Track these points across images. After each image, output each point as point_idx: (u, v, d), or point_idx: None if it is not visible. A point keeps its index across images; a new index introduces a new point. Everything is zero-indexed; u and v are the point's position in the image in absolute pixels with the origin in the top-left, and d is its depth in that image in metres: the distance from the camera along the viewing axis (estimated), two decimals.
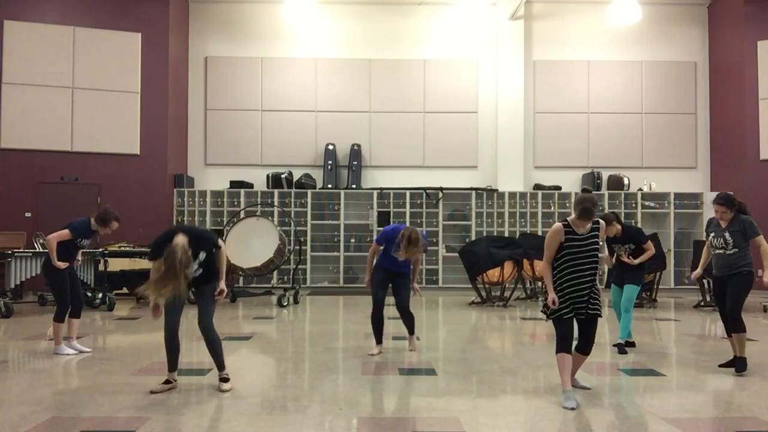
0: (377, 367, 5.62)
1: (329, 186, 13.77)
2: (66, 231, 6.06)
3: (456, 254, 11.98)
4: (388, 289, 6.26)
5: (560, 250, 4.59)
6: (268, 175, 13.73)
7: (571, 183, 14.19)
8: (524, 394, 4.70)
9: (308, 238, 13.43)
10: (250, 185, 13.73)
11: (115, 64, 12.87)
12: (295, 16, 13.47)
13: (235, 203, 13.48)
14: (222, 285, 4.83)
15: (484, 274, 10.34)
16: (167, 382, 4.72)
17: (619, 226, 6.52)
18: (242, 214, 11.79)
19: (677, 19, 14.58)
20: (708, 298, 10.41)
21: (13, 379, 5.15)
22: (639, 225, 12.85)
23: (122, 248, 10.98)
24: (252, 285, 12.89)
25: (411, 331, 6.44)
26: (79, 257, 6.55)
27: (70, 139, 12.61)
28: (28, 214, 12.22)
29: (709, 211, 13.15)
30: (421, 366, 5.67)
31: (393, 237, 6.03)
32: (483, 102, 14.34)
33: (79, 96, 12.68)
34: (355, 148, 14.00)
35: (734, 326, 5.39)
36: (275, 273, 12.55)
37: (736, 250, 5.42)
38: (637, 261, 6.47)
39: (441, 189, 13.66)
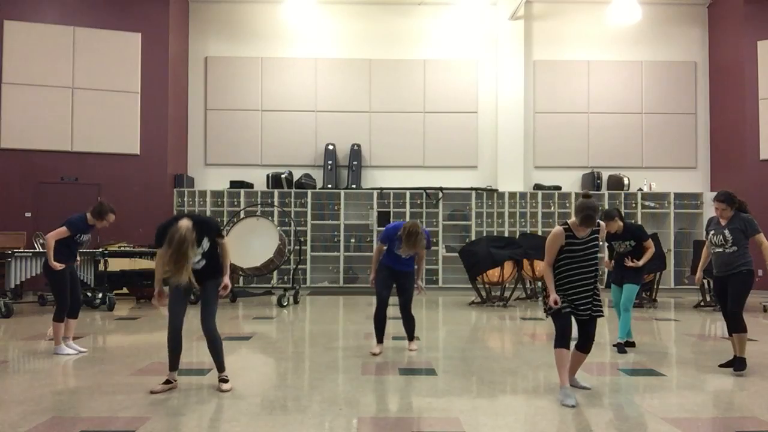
0: (377, 367, 5.62)
1: (329, 186, 13.78)
2: (63, 228, 6.06)
3: (456, 254, 11.98)
4: (392, 288, 6.26)
5: (560, 253, 4.60)
6: (268, 175, 13.73)
7: (571, 183, 14.20)
8: (524, 394, 4.70)
9: (308, 238, 13.43)
10: (250, 185, 13.74)
11: (115, 64, 12.88)
12: (295, 16, 13.47)
13: (235, 203, 13.48)
14: (226, 280, 4.83)
15: (484, 274, 10.34)
16: (167, 382, 4.72)
17: (620, 223, 6.51)
18: (242, 214, 11.79)
19: (677, 19, 14.58)
20: (708, 298, 10.41)
21: (13, 379, 5.15)
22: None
23: (122, 248, 10.99)
24: (252, 285, 12.89)
25: (410, 337, 6.44)
26: (78, 258, 6.54)
27: (70, 139, 12.61)
28: (28, 214, 12.23)
29: (708, 211, 13.17)
30: (421, 366, 5.67)
31: (395, 234, 6.05)
32: (483, 102, 14.34)
33: (79, 96, 12.68)
34: (355, 148, 14.00)
35: (735, 326, 5.39)
36: (275, 273, 12.56)
37: (735, 248, 5.41)
38: (641, 263, 6.45)
39: (441, 189, 13.66)
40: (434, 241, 13.35)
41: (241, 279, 12.69)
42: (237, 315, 9.35)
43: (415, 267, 6.32)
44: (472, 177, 14.20)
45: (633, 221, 13.03)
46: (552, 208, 13.64)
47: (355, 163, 13.92)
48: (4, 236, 10.83)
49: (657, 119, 14.43)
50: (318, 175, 14.00)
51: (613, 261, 6.75)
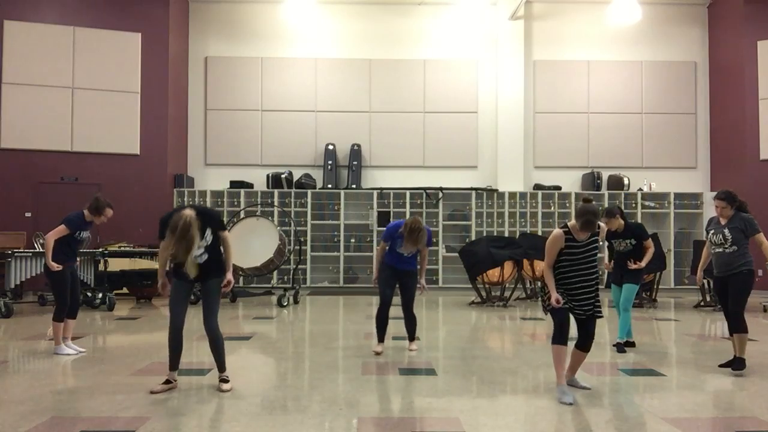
0: (377, 367, 5.62)
1: (329, 186, 13.78)
2: (62, 226, 6.04)
3: (456, 254, 11.98)
4: (395, 288, 6.27)
5: (560, 255, 4.61)
6: (268, 175, 13.74)
7: (571, 183, 14.20)
8: (524, 394, 4.70)
9: (308, 238, 13.43)
10: (250, 185, 13.74)
11: (115, 64, 12.88)
12: (295, 16, 13.47)
13: (235, 203, 13.48)
14: (229, 276, 4.83)
15: (484, 274, 10.34)
16: (167, 382, 4.72)
17: (621, 221, 6.52)
18: (242, 214, 11.79)
19: (677, 19, 14.58)
20: (708, 298, 10.41)
21: (13, 379, 5.15)
22: None
23: (122, 248, 10.99)
24: (252, 285, 12.89)
25: (411, 338, 6.44)
26: (77, 258, 6.52)
27: (70, 139, 12.61)
28: (28, 214, 12.23)
29: (708, 211, 13.18)
30: (421, 366, 5.67)
31: (397, 232, 6.06)
32: (483, 102, 14.35)
33: (79, 96, 12.68)
34: (355, 148, 14.00)
35: (736, 326, 5.39)
36: (275, 273, 12.56)
37: (736, 248, 5.40)
38: (643, 263, 6.45)
39: (441, 189, 13.66)
40: (434, 241, 13.34)
41: (241, 279, 12.69)
42: (237, 315, 9.35)
43: (418, 267, 6.34)
44: (472, 177, 14.20)
45: (633, 221, 13.03)
46: (552, 208, 13.64)
47: (355, 163, 13.92)
48: (4, 236, 10.83)
49: (657, 119, 14.43)
50: (318, 175, 14.00)
51: (612, 262, 6.76)
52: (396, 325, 7.27)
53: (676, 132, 14.47)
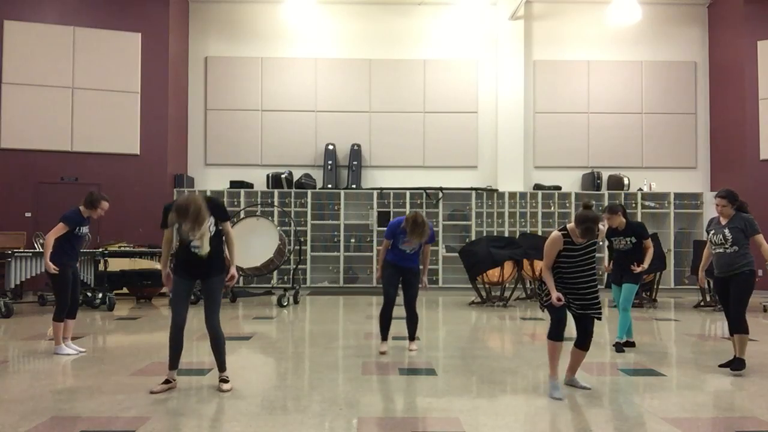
0: (377, 367, 5.62)
1: (329, 186, 13.78)
2: (60, 224, 6.03)
3: (456, 254, 11.98)
4: (398, 287, 6.27)
5: (559, 257, 4.62)
6: (268, 175, 13.74)
7: (571, 183, 14.20)
8: (524, 394, 4.70)
9: (308, 238, 13.43)
10: (250, 185, 13.74)
11: (115, 64, 12.88)
12: (295, 16, 13.48)
13: (235, 203, 13.47)
14: (233, 270, 4.84)
15: (484, 274, 10.34)
16: (166, 381, 4.72)
17: (623, 219, 6.52)
18: (242, 214, 11.79)
19: (677, 19, 14.58)
20: (708, 298, 10.41)
21: (13, 379, 5.15)
22: None
23: (122, 248, 10.98)
24: (252, 285, 12.89)
25: (412, 337, 6.44)
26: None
27: (70, 139, 12.62)
28: (28, 214, 12.23)
29: (708, 211, 13.18)
30: (421, 366, 5.67)
31: (398, 227, 6.07)
32: (483, 102, 14.35)
33: (79, 96, 12.68)
34: (355, 148, 14.00)
35: (737, 327, 5.38)
36: (275, 273, 12.56)
37: (736, 248, 5.39)
38: (645, 265, 6.44)
39: (441, 189, 13.66)
40: (435, 242, 13.33)
41: (241, 279, 12.70)
42: (237, 315, 9.35)
43: (421, 267, 6.35)
44: (472, 177, 14.20)
45: (635, 220, 13.04)
46: (552, 208, 13.64)
47: (355, 163, 13.92)
48: (4, 236, 10.83)
49: (657, 119, 14.43)
50: (318, 175, 14.00)
51: (611, 263, 6.77)
52: (396, 325, 7.25)
53: (676, 132, 14.47)
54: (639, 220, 13.43)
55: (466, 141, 14.29)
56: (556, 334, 4.64)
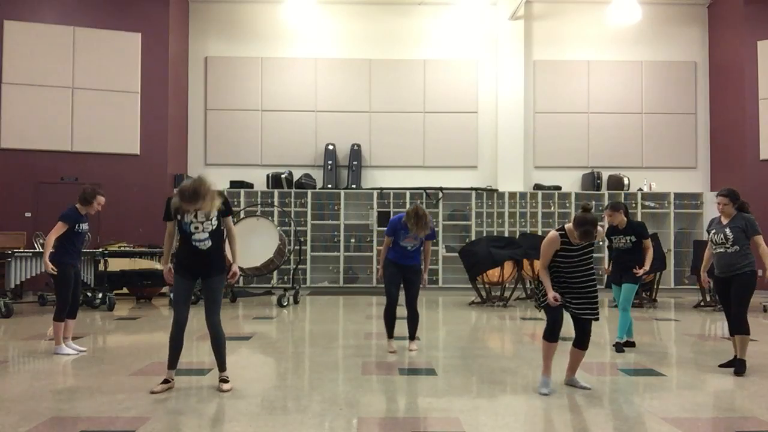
0: (377, 367, 5.62)
1: (329, 186, 13.78)
2: (59, 223, 6.02)
3: (456, 254, 11.98)
4: (400, 285, 6.27)
5: (555, 256, 4.62)
6: (268, 175, 13.74)
7: (571, 183, 14.20)
8: (524, 394, 4.70)
9: (308, 238, 13.43)
10: (250, 185, 13.74)
11: (115, 64, 12.87)
12: (295, 16, 13.48)
13: (235, 203, 13.46)
14: (235, 268, 4.84)
15: (484, 274, 10.34)
16: (165, 381, 4.71)
17: (624, 218, 6.54)
18: (242, 214, 11.79)
19: (677, 19, 14.58)
20: (708, 298, 10.41)
21: (13, 379, 5.15)
22: None
23: (122, 248, 10.98)
24: (252, 285, 12.89)
25: (412, 336, 6.44)
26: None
27: (70, 139, 12.61)
28: (28, 214, 12.22)
29: (708, 211, 13.19)
30: (421, 366, 5.67)
31: (399, 223, 6.09)
32: (483, 102, 14.34)
33: (79, 96, 12.68)
34: (355, 148, 14.00)
35: (738, 327, 5.37)
36: (275, 273, 12.55)
37: (737, 248, 5.39)
38: (647, 267, 6.44)
39: (441, 189, 13.66)
40: (434, 241, 13.33)
41: (241, 279, 12.69)
42: (237, 315, 9.35)
43: (422, 267, 6.35)
44: (472, 177, 14.20)
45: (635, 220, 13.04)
46: (552, 208, 13.64)
47: (355, 163, 13.92)
48: (4, 236, 10.82)
49: (657, 119, 14.43)
50: (318, 175, 14.00)
51: (610, 266, 6.77)
52: (396, 324, 7.26)
53: (676, 132, 14.47)
54: (639, 220, 13.43)
55: (466, 141, 14.29)
56: (551, 335, 4.68)
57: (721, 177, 13.94)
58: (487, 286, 10.59)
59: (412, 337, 6.44)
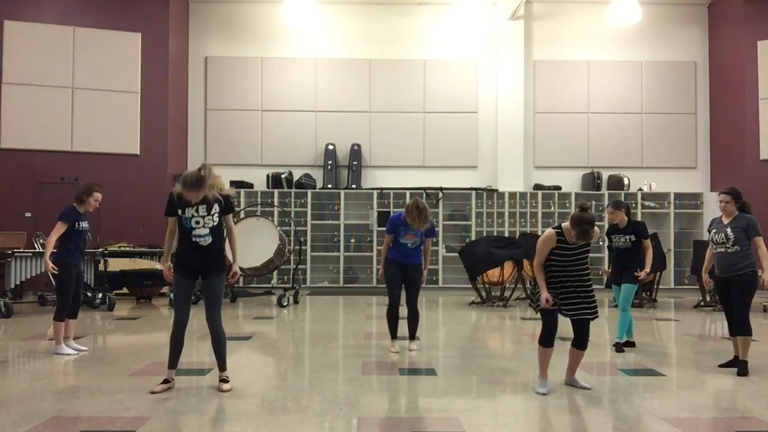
0: (377, 367, 5.62)
1: (329, 186, 13.77)
2: (59, 223, 6.03)
3: (456, 254, 11.98)
4: (402, 285, 6.26)
5: (551, 254, 4.62)
6: (268, 175, 13.74)
7: (571, 183, 14.20)
8: (524, 394, 4.70)
9: (308, 238, 13.43)
10: (250, 185, 13.74)
11: (115, 64, 12.87)
12: (295, 16, 13.48)
13: (235, 203, 13.45)
14: (236, 267, 4.84)
15: (484, 274, 10.34)
16: (165, 381, 4.71)
17: (625, 217, 6.55)
18: (242, 214, 11.79)
19: (677, 19, 14.58)
20: (708, 298, 10.40)
21: (13, 379, 5.15)
22: None
23: (122, 248, 10.98)
24: (252, 285, 12.89)
25: (412, 336, 6.44)
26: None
27: (70, 139, 12.61)
28: (28, 214, 12.22)
29: (708, 211, 13.19)
30: (421, 366, 5.67)
31: (399, 220, 6.08)
32: (483, 102, 14.34)
33: (79, 96, 12.68)
34: (355, 148, 14.00)
35: (741, 329, 5.36)
36: (275, 273, 12.55)
37: (738, 248, 5.38)
38: (648, 269, 6.45)
39: (441, 189, 13.66)
40: (435, 240, 13.33)
41: (241, 279, 12.69)
42: (237, 315, 9.35)
43: (422, 266, 6.35)
44: (472, 177, 14.20)
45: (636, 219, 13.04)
46: (552, 208, 13.63)
47: (355, 163, 13.92)
48: (4, 236, 10.82)
49: (657, 119, 14.43)
50: (318, 175, 14.00)
51: (610, 267, 6.78)
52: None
53: (676, 132, 14.47)
54: (639, 220, 13.42)
55: (466, 141, 14.29)
56: (546, 341, 4.69)
57: (721, 177, 13.93)
58: (487, 286, 10.59)
59: (413, 336, 6.44)
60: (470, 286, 11.34)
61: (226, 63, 14.28)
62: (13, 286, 9.11)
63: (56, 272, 6.05)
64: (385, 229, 6.44)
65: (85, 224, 6.21)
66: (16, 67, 12.37)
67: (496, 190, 13.73)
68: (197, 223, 4.63)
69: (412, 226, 6.03)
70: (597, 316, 4.73)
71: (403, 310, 6.35)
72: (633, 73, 14.47)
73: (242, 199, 13.42)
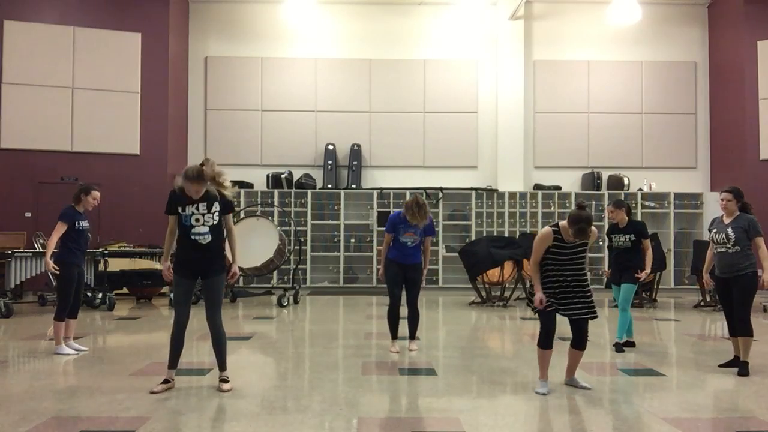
0: (377, 367, 5.62)
1: (329, 186, 13.77)
2: (59, 223, 6.03)
3: (456, 254, 11.98)
4: (403, 285, 6.27)
5: (547, 253, 4.62)
6: (268, 175, 13.74)
7: (571, 183, 14.20)
8: (524, 393, 4.70)
9: (308, 238, 13.43)
10: (250, 185, 13.74)
11: (115, 64, 12.87)
12: (295, 16, 13.47)
13: (235, 203, 13.44)
14: (235, 268, 4.84)
15: (484, 274, 10.34)
16: (165, 381, 4.71)
17: (626, 216, 6.56)
18: (242, 214, 11.79)
19: (677, 19, 14.58)
20: (708, 298, 10.40)
21: (13, 379, 5.15)
22: None
23: (122, 248, 10.98)
24: (252, 285, 12.89)
25: (412, 336, 6.44)
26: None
27: (70, 139, 12.61)
28: (28, 214, 12.22)
29: (708, 211, 13.19)
30: (421, 366, 5.67)
31: (398, 218, 6.10)
32: (483, 102, 14.35)
33: (79, 96, 12.68)
34: (355, 148, 14.00)
35: (742, 329, 5.35)
36: (275, 273, 12.55)
37: (738, 248, 5.37)
38: (648, 270, 6.46)
39: (441, 189, 13.66)
40: (434, 240, 13.33)
41: (241, 279, 12.69)
42: (237, 315, 9.35)
43: (423, 265, 6.36)
44: (472, 177, 14.20)
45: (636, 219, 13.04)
46: (552, 208, 13.63)
47: (355, 163, 13.92)
48: (4, 236, 10.82)
49: (657, 119, 14.43)
50: (318, 175, 14.00)
51: (610, 268, 6.78)
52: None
53: (676, 132, 14.47)
54: (639, 220, 13.42)
55: (466, 141, 14.29)
56: (545, 343, 4.68)
57: (721, 177, 13.93)
58: (487, 286, 10.59)
59: (413, 336, 6.44)
60: (470, 286, 11.34)
61: (226, 63, 14.28)
62: (13, 286, 9.11)
63: (58, 272, 6.05)
64: (384, 228, 6.44)
65: (85, 223, 6.20)
66: (16, 67, 12.37)
67: (496, 190, 13.73)
68: (197, 220, 4.63)
69: (411, 222, 6.03)
70: (595, 316, 4.71)
71: (403, 310, 6.35)
72: (633, 73, 14.47)
73: (242, 199, 13.42)
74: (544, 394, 4.58)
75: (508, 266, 10.36)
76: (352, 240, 13.57)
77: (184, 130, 14.15)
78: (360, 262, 13.60)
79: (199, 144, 14.25)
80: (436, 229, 13.36)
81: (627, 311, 6.45)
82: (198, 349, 6.33)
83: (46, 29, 12.54)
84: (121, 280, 10.83)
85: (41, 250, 9.32)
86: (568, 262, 4.61)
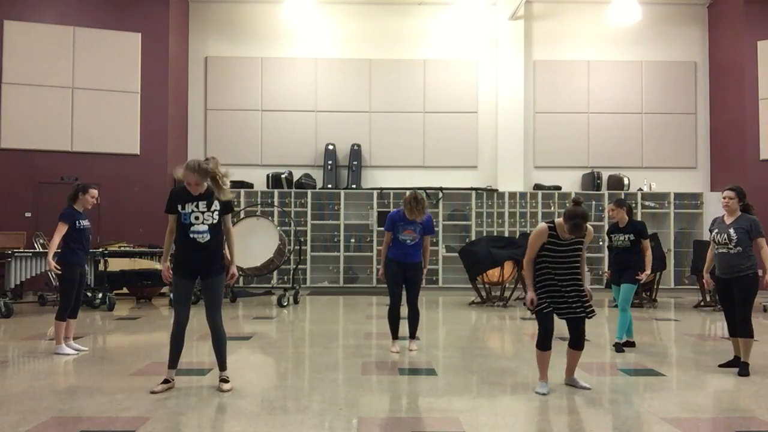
0: (377, 367, 5.62)
1: (329, 186, 13.78)
2: (60, 223, 6.03)
3: (456, 254, 11.98)
4: (403, 285, 6.27)
5: (542, 250, 4.62)
6: (268, 175, 13.74)
7: (571, 183, 14.20)
8: (524, 393, 4.70)
9: (308, 238, 13.43)
10: (250, 185, 13.74)
11: (115, 64, 12.87)
12: (295, 16, 13.48)
13: (235, 203, 13.46)
14: (233, 269, 4.84)
15: (484, 274, 10.34)
16: (165, 381, 4.71)
17: (626, 216, 6.57)
18: (242, 214, 11.79)
19: (677, 19, 14.58)
20: (708, 298, 10.40)
21: (13, 379, 5.15)
22: None
23: (122, 248, 10.98)
24: (252, 285, 12.89)
25: (412, 335, 6.44)
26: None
27: (70, 139, 12.61)
28: (28, 214, 12.22)
29: (708, 211, 13.19)
30: (421, 366, 5.67)
31: (397, 216, 6.10)
32: (483, 102, 14.34)
33: (79, 96, 12.68)
34: (355, 148, 14.00)
35: (743, 330, 5.34)
36: (275, 273, 12.55)
37: (740, 249, 5.37)
38: (648, 271, 6.46)
39: (441, 189, 13.66)
40: (434, 240, 13.34)
41: (241, 279, 12.69)
42: (237, 315, 9.35)
43: (422, 265, 6.36)
44: (472, 177, 14.20)
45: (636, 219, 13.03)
46: (552, 208, 13.63)
47: (355, 163, 13.92)
48: (4, 236, 10.82)
49: (657, 119, 14.43)
50: (318, 175, 14.00)
51: (609, 269, 6.78)
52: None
53: (676, 132, 14.47)
54: (639, 220, 13.42)
55: (466, 141, 14.29)
56: (543, 344, 4.67)
57: (721, 177, 13.93)
58: (487, 286, 10.59)
59: (413, 336, 6.45)
60: (470, 286, 11.34)
61: (226, 63, 14.28)
62: (13, 286, 9.11)
63: (60, 272, 6.04)
64: (385, 225, 6.44)
65: (85, 222, 6.20)
66: (16, 67, 12.37)
67: (496, 190, 13.73)
68: (196, 218, 4.64)
69: (409, 217, 6.04)
70: (593, 314, 4.71)
71: (404, 310, 6.35)
72: (633, 73, 14.47)
73: (242, 199, 13.42)
74: (544, 395, 4.58)
75: (508, 266, 10.36)
76: (352, 240, 13.57)
77: (184, 130, 14.15)
78: (360, 262, 13.60)
79: (199, 144, 14.25)
80: (436, 229, 13.42)
81: (627, 311, 6.45)
82: (198, 349, 6.33)
83: (46, 29, 12.54)
84: (121, 280, 10.83)
85: (41, 250, 9.32)
86: (564, 260, 4.61)
